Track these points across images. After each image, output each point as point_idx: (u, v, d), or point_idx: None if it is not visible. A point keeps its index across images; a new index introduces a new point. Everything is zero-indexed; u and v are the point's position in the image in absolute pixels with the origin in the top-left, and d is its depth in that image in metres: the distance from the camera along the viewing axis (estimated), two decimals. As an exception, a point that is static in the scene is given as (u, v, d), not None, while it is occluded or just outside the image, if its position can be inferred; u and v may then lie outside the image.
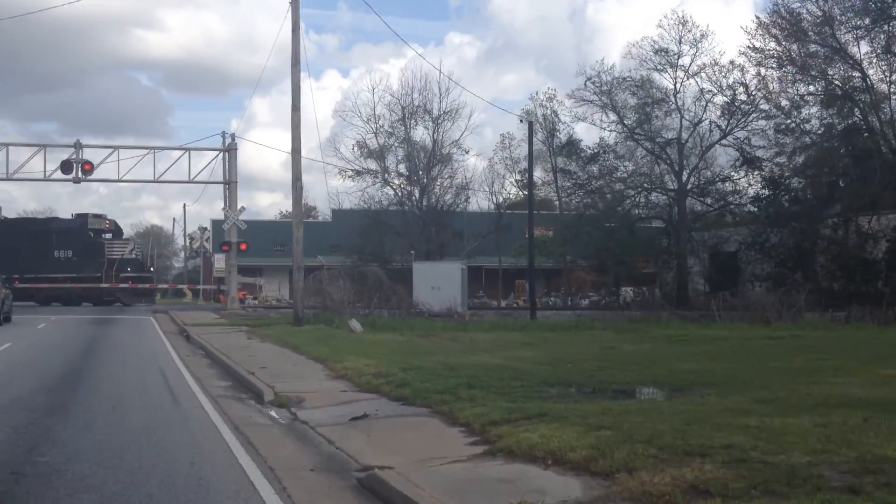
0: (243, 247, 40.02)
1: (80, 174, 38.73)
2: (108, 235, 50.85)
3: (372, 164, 52.62)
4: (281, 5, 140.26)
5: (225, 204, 44.47)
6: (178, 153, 40.76)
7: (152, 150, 40.66)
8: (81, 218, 51.89)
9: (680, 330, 22.80)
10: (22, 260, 47.69)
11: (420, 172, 51.91)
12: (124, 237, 54.55)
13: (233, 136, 39.94)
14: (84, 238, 49.34)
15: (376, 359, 15.31)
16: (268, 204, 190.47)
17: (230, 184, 39.82)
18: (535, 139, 50.21)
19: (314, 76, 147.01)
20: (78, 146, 38.62)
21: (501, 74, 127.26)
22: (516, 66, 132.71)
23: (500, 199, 54.08)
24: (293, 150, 27.00)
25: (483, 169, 54.66)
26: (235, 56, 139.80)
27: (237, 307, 40.26)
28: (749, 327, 23.76)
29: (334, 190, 67.25)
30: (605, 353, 16.53)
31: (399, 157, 52.68)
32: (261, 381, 13.76)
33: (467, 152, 52.65)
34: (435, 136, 51.93)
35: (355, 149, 52.02)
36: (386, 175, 52.02)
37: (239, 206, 40.17)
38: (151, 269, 54.23)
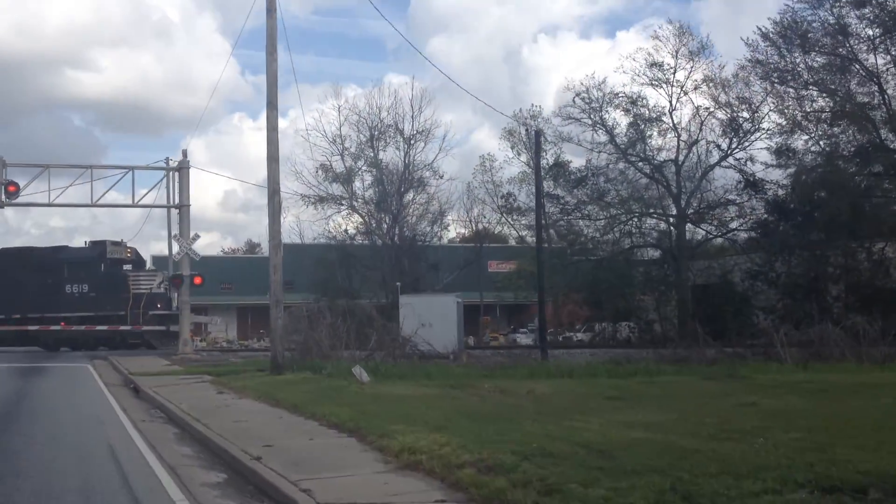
0: (198, 280, 34.42)
1: (3, 197, 32.73)
2: (129, 266, 41.80)
3: (337, 189, 47.52)
4: (217, 48, 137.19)
5: (169, 232, 39.06)
6: (119, 173, 35.04)
7: (89, 169, 34.88)
8: (98, 246, 42.25)
9: (786, 375, 18.04)
10: (24, 297, 39.74)
11: (391, 198, 46.87)
12: (148, 268, 45.63)
13: (184, 153, 34.56)
14: (103, 270, 40.12)
15: (440, 430, 10.24)
16: (205, 244, 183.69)
17: (182, 207, 34.30)
18: (517, 161, 46.02)
19: (252, 117, 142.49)
20: (1, 163, 32.63)
21: (439, 114, 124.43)
22: (453, 106, 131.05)
23: (480, 227, 49.20)
24: (270, 157, 21.85)
25: (460, 194, 49.85)
26: (170, 97, 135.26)
27: (189, 350, 34.57)
28: (860, 368, 19.21)
29: (286, 223, 61.42)
30: (762, 413, 11.67)
31: (367, 183, 47.64)
32: (282, 477, 8.56)
33: (442, 176, 47.84)
34: (406, 158, 47.07)
35: (319, 172, 46.87)
36: (354, 201, 46.88)
37: (192, 234, 34.68)
38: (176, 306, 44.09)
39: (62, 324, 40.03)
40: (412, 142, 46.71)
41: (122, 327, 39.47)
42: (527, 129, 41.12)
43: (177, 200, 34.53)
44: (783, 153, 43.71)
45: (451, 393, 15.44)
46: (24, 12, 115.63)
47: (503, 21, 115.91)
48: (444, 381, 17.85)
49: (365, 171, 47.25)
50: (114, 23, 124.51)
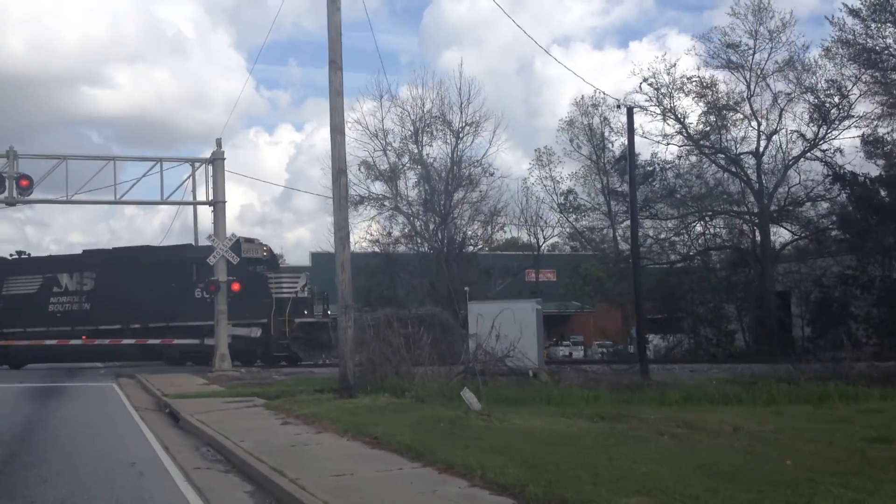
0: (236, 287, 30.34)
1: (14, 193, 28.74)
2: (262, 267, 35.89)
3: (379, 188, 43.39)
4: (232, 63, 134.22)
5: (195, 232, 35.28)
6: (145, 166, 30.99)
7: (112, 161, 30.87)
8: (231, 243, 35.25)
9: None
10: (144, 304, 34.24)
11: (438, 197, 42.70)
12: (290, 267, 40.21)
13: (219, 143, 30.47)
14: (238, 271, 33.07)
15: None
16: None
17: (216, 204, 30.28)
18: (578, 154, 41.78)
19: (268, 131, 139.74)
20: (11, 155, 28.56)
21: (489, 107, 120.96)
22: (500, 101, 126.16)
23: (537, 228, 44.81)
24: (333, 128, 17.78)
25: (514, 193, 45.35)
26: (186, 112, 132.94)
27: (228, 367, 30.48)
28: None
29: (320, 230, 57.20)
30: None
31: (412, 182, 43.41)
32: None
33: (492, 174, 43.58)
34: (455, 153, 42.86)
35: (361, 169, 42.71)
36: (398, 202, 42.70)
37: (229, 234, 30.63)
38: (329, 311, 36.42)
39: (188, 337, 34.35)
40: (461, 135, 42.54)
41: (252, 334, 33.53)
42: (618, 104, 36.46)
43: (210, 196, 30.50)
44: (870, 143, 39.43)
45: (622, 430, 11.29)
46: (40, 29, 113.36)
47: (516, 33, 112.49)
48: (580, 408, 13.73)
49: (409, 167, 43.08)
50: (129, 39, 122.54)
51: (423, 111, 42.92)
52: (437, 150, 43.07)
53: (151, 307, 34.41)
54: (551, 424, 11.64)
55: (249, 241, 36.06)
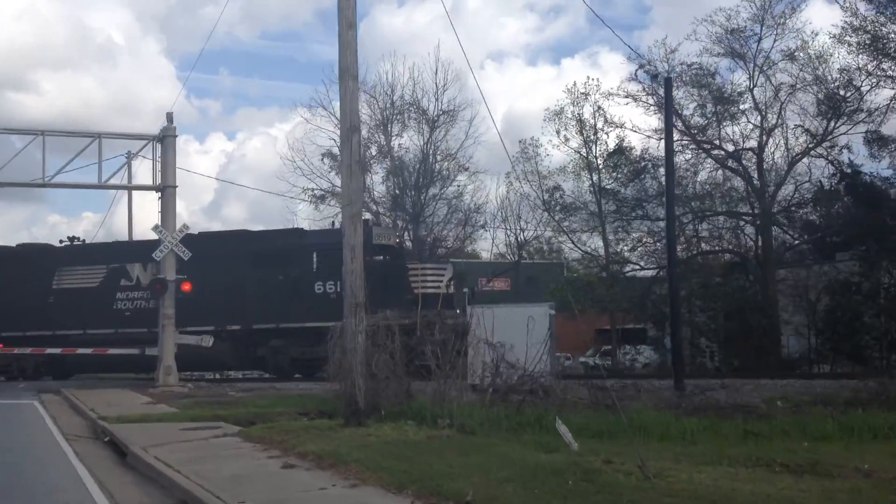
0: (186, 286, 25.60)
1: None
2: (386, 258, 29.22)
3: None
4: (162, 71, 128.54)
5: (130, 221, 30.45)
6: (84, 141, 25.97)
7: (41, 136, 25.91)
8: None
9: None
10: (244, 300, 28.50)
11: (409, 193, 38.49)
12: (440, 261, 33.17)
13: (170, 118, 25.73)
14: (373, 261, 26.12)
15: None
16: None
17: (166, 189, 25.59)
18: (567, 147, 37.93)
19: (198, 139, 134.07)
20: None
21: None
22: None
23: (518, 231, 40.71)
24: (343, 71, 13.48)
25: (497, 193, 41.20)
26: (114, 121, 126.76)
27: (174, 381, 25.73)
28: None
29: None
30: None
31: (377, 177, 39.14)
32: None
33: (467, 168, 39.50)
34: (428, 146, 38.70)
35: (324, 160, 38.32)
36: (365, 197, 38.28)
37: (180, 224, 25.96)
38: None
39: (306, 342, 27.32)
40: (436, 125, 38.40)
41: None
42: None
43: (158, 180, 25.78)
44: (875, 141, 36.42)
45: (842, 488, 7.21)
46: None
47: (451, 47, 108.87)
48: (716, 448, 9.66)
49: (376, 160, 38.81)
50: (57, 45, 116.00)
51: (392, 98, 38.75)
52: (408, 141, 38.94)
53: (256, 305, 28.26)
54: (732, 480, 7.61)
55: (377, 224, 30.75)
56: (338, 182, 38.92)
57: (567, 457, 8.79)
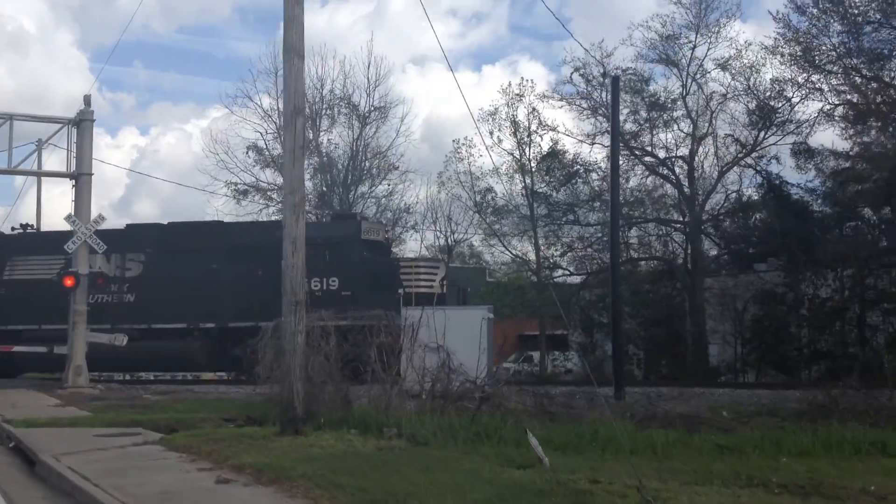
0: (69, 282, 23.68)
1: None
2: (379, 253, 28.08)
3: (270, 177, 37.58)
4: (74, 62, 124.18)
5: (38, 209, 28.29)
6: (-9, 122, 24.05)
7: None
8: (347, 221, 28.52)
9: None
10: (220, 296, 26.47)
11: (336, 191, 37.32)
12: (430, 256, 31.82)
13: (87, 101, 24.09)
14: (361, 257, 26.30)
15: None
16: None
17: (81, 176, 23.93)
18: (500, 149, 37.21)
19: (109, 133, 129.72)
20: None
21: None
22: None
23: (449, 233, 39.81)
24: (288, 49, 12.36)
25: (428, 194, 40.20)
26: (22, 111, 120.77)
27: (84, 382, 24.07)
28: None
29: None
30: None
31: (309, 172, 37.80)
32: None
33: (397, 167, 38.50)
34: (358, 143, 37.58)
35: (249, 154, 36.86)
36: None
37: (95, 214, 24.29)
38: None
39: None
40: (367, 121, 37.30)
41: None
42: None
43: (73, 167, 24.10)
44: (802, 153, 36.71)
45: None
46: None
47: (373, 49, 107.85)
48: (701, 465, 8.94)
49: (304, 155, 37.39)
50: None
51: (322, 93, 37.52)
52: (338, 137, 37.75)
53: (231, 302, 26.32)
54: None
55: (365, 218, 29.25)
56: (263, 176, 37.62)
57: (543, 474, 7.94)
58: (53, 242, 28.02)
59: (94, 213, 24.10)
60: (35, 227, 32.71)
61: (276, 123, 37.09)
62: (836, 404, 15.83)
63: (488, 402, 15.31)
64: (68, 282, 23.37)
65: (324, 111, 37.05)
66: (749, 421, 15.03)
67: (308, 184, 37.84)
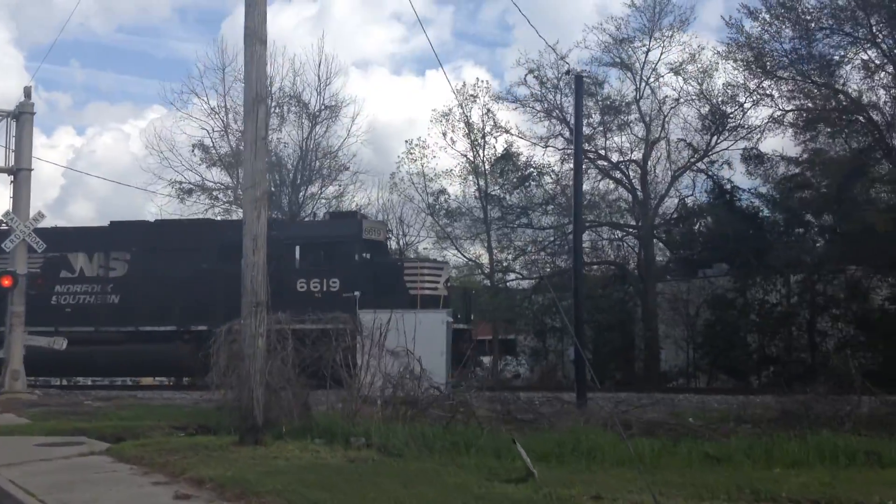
0: (6, 282, 22.37)
1: None
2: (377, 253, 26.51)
3: (217, 176, 36.55)
4: (11, 61, 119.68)
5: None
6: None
7: None
8: (348, 219, 27.02)
9: None
10: (210, 298, 24.07)
11: (285, 191, 36.45)
12: (426, 257, 30.12)
13: (27, 93, 22.92)
14: (363, 257, 25.04)
15: None
16: None
17: (20, 172, 22.74)
18: (454, 150, 36.71)
19: (45, 133, 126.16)
20: None
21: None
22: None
23: (400, 235, 39.04)
24: (249, 34, 11.66)
25: (379, 195, 39.49)
26: None
27: (21, 387, 22.87)
28: None
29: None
30: None
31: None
32: None
33: (348, 167, 37.69)
34: (308, 142, 36.74)
35: (195, 152, 35.78)
36: (238, 194, 35.97)
37: (34, 212, 23.08)
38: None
39: None
40: (318, 120, 36.44)
41: None
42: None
43: (11, 161, 22.88)
44: (752, 158, 36.87)
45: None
46: None
47: (324, 47, 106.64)
48: (658, 469, 8.46)
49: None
50: None
51: (270, 90, 36.50)
52: (287, 136, 36.86)
53: (225, 303, 24.80)
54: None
55: (366, 217, 27.64)
56: (209, 175, 36.55)
57: (539, 490, 7.36)
58: None
59: (32, 212, 22.90)
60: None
61: (222, 121, 36.13)
62: (807, 411, 15.59)
63: (462, 410, 14.73)
64: (5, 282, 22.14)
65: (273, 109, 36.05)
66: (718, 428, 14.70)
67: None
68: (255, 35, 11.55)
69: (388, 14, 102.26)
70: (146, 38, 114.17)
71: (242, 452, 10.55)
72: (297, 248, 25.29)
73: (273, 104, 35.80)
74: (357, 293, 22.97)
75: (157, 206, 39.90)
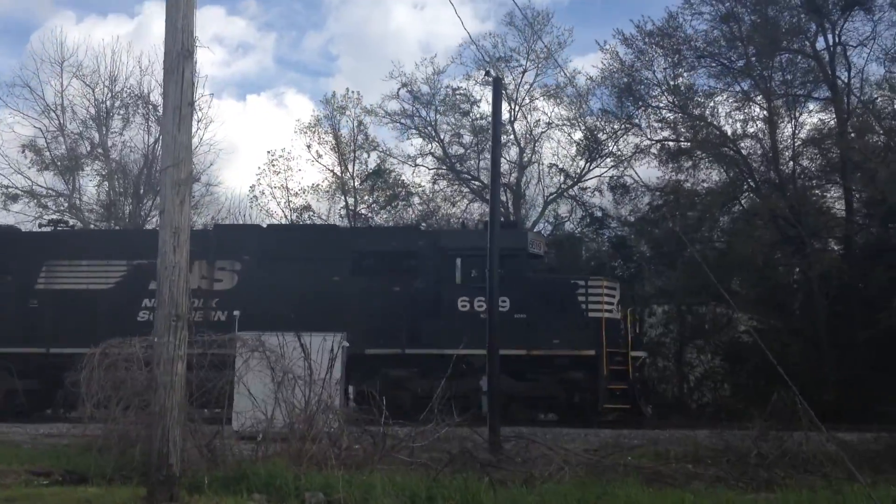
0: None
1: None
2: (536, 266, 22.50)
3: (51, 181, 32.38)
4: None
5: None
6: None
7: None
8: (513, 229, 23.66)
9: None
10: (342, 316, 19.86)
11: (127, 202, 32.73)
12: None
13: None
14: (532, 273, 21.55)
15: None
16: None
17: None
18: (323, 163, 34.08)
19: None
20: None
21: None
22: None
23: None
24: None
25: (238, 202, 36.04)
26: None
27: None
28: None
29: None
30: None
31: (92, 180, 33.06)
32: None
33: (198, 179, 34.27)
34: (155, 149, 33.24)
35: (25, 153, 31.48)
36: (75, 201, 31.92)
37: None
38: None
39: None
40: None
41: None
42: (487, 72, 29.16)
43: None
44: (617, 188, 36.47)
45: None
46: None
47: (127, 65, 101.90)
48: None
49: (90, 158, 32.55)
50: None
51: (112, 89, 32.89)
52: (132, 140, 33.20)
53: (362, 322, 20.90)
54: None
55: (531, 230, 24.77)
56: (41, 180, 32.31)
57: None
58: (108, 244, 22.67)
59: None
60: (68, 223, 25.77)
61: (58, 120, 32.10)
62: (760, 452, 14.22)
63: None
64: None
65: (115, 110, 32.44)
66: (678, 467, 13.16)
67: (92, 191, 33.02)
68: (182, 31, 9.00)
69: (209, 37, 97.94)
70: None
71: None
72: (459, 260, 21.81)
73: (118, 104, 32.19)
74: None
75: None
